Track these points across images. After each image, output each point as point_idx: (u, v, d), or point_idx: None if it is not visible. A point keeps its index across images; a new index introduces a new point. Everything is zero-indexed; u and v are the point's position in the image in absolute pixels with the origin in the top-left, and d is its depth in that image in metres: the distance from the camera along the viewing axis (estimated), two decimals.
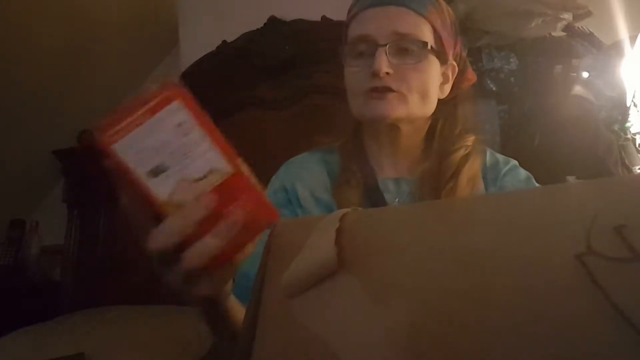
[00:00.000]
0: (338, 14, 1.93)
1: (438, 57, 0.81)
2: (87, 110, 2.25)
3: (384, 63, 0.76)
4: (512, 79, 1.74)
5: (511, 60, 1.75)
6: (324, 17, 1.95)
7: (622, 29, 1.65)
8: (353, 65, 0.82)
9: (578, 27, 1.76)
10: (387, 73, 0.77)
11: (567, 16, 1.73)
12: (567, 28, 1.76)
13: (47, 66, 2.07)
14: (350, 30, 0.85)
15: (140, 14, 2.31)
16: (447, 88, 0.86)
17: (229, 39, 2.03)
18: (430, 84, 0.81)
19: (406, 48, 0.78)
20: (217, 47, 2.05)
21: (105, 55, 2.24)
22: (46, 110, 2.14)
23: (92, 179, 2.15)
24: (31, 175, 2.26)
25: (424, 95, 0.80)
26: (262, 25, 2.01)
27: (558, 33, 1.75)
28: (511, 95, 1.73)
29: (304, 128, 1.74)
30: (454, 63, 0.86)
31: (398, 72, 0.77)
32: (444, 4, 0.85)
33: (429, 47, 0.79)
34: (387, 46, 0.77)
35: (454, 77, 0.87)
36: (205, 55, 2.05)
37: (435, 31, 0.81)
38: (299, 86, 1.94)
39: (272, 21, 2.01)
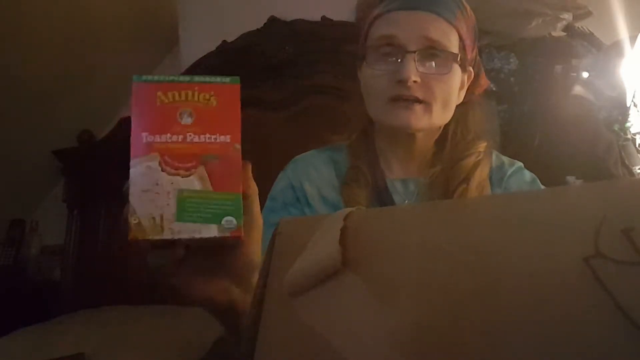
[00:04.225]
0: (338, 14, 1.94)
1: (460, 65, 0.80)
2: (87, 110, 2.25)
3: (412, 71, 0.75)
4: (512, 79, 1.74)
5: (511, 60, 1.75)
6: (324, 17, 1.95)
7: (622, 29, 1.65)
8: (376, 68, 0.80)
9: (578, 27, 1.76)
10: (415, 81, 0.75)
11: (567, 16, 1.74)
12: (567, 28, 1.76)
13: (47, 66, 2.07)
14: (374, 30, 0.82)
15: (140, 14, 2.31)
16: (462, 94, 0.85)
17: (229, 39, 2.04)
18: (452, 94, 0.80)
19: (434, 56, 0.77)
20: (217, 47, 2.05)
21: (105, 55, 2.24)
22: (46, 110, 2.14)
23: (92, 179, 2.16)
24: (31, 175, 2.26)
25: (445, 105, 0.79)
26: (262, 25, 2.02)
27: (558, 33, 1.76)
28: (511, 95, 1.73)
29: (304, 128, 1.75)
30: (471, 69, 0.85)
31: (425, 81, 0.76)
32: (468, 8, 0.83)
33: (458, 59, 0.78)
34: (416, 53, 0.76)
35: (469, 82, 0.86)
36: (205, 55, 2.05)
37: (460, 39, 0.80)
38: (299, 86, 1.94)
39: (272, 21, 2.01)
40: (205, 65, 2.03)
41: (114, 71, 2.30)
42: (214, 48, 2.05)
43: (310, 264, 0.38)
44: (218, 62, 2.03)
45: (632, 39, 1.60)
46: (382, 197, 0.83)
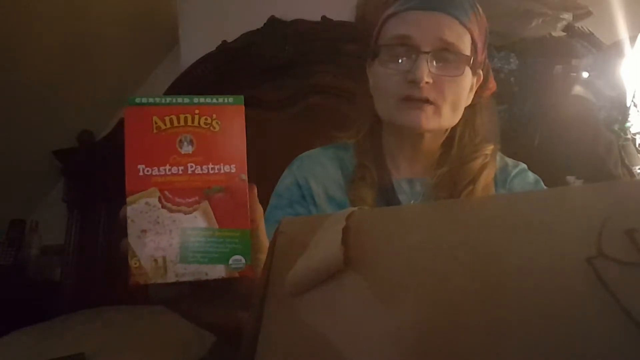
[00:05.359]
0: (338, 14, 1.94)
1: (471, 68, 0.80)
2: (87, 110, 2.25)
3: (425, 72, 0.74)
4: (512, 79, 1.74)
5: (511, 60, 1.75)
6: (324, 17, 1.95)
7: (622, 29, 1.65)
8: (388, 67, 0.79)
9: (578, 27, 1.76)
10: (427, 82, 0.75)
11: (567, 16, 1.74)
12: (567, 28, 1.76)
13: (47, 66, 2.06)
14: (387, 29, 0.82)
15: (140, 14, 2.30)
16: (471, 96, 0.85)
17: (229, 39, 2.03)
18: (462, 96, 0.80)
19: (447, 58, 0.77)
20: (217, 47, 2.05)
21: (105, 55, 2.24)
22: (46, 110, 2.14)
23: (92, 179, 2.16)
24: (31, 175, 2.25)
25: (455, 107, 0.79)
26: (262, 25, 2.01)
27: (558, 33, 1.76)
28: (511, 95, 1.73)
29: (304, 128, 1.75)
30: (481, 72, 0.85)
31: (436, 82, 0.76)
32: (481, 9, 0.83)
33: (470, 62, 0.78)
34: (430, 54, 0.75)
35: (478, 85, 0.85)
36: (205, 55, 2.05)
37: (473, 41, 0.79)
38: (299, 86, 1.94)
39: (272, 21, 2.01)
40: (205, 65, 2.03)
41: (114, 71, 2.29)
42: (214, 48, 2.04)
43: (312, 263, 0.38)
44: (218, 62, 2.03)
45: (632, 39, 1.60)
46: (388, 196, 0.82)
